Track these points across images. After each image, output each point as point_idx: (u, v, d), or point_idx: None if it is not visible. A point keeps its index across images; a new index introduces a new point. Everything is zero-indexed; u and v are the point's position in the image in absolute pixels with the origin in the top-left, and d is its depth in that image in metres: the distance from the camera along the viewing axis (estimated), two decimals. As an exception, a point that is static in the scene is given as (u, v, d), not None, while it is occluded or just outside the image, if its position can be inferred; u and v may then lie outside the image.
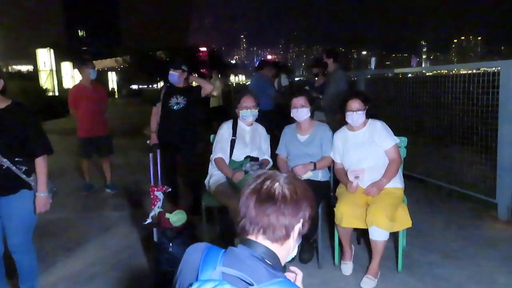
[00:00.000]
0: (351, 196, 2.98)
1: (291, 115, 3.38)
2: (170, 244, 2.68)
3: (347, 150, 3.16)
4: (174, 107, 4.21)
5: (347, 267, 3.04)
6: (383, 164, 3.04)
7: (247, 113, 3.45)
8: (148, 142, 4.32)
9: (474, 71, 4.52)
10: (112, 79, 42.44)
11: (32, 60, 23.44)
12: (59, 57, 24.66)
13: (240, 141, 3.46)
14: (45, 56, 22.39)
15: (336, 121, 3.90)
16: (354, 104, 3.06)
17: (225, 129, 3.52)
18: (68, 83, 26.20)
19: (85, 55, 28.76)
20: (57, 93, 21.79)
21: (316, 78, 6.08)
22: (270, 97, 6.47)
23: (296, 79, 13.14)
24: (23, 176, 2.39)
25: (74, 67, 27.72)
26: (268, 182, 1.20)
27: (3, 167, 2.32)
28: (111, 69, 43.80)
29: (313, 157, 3.33)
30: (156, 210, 2.75)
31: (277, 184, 1.19)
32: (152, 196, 2.78)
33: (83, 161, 5.28)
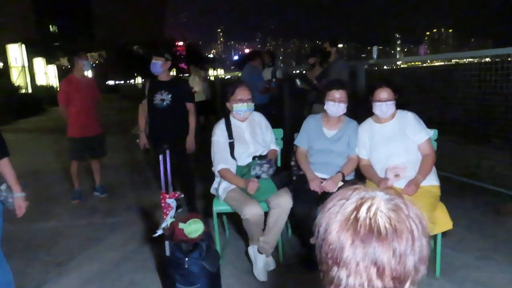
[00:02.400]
0: (384, 196, 2.66)
1: (325, 107, 2.97)
2: (186, 259, 2.31)
3: (374, 144, 2.85)
4: (159, 105, 3.78)
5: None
6: (417, 160, 2.75)
7: (243, 107, 2.96)
8: (137, 141, 3.94)
9: (488, 60, 4.28)
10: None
11: (3, 56, 22.32)
12: (31, 53, 23.58)
13: (239, 142, 3.00)
14: (16, 52, 21.40)
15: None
16: (383, 93, 2.75)
17: (219, 134, 3.01)
18: (41, 80, 25.17)
19: (59, 51, 27.57)
20: (30, 90, 20.83)
21: (306, 71, 5.75)
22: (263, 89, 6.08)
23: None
24: None
25: (47, 62, 26.67)
26: (364, 209, 0.79)
27: None
28: (87, 64, 42.50)
29: (338, 154, 3.00)
30: (168, 220, 2.36)
31: (379, 211, 0.79)
32: (163, 204, 2.37)
33: (74, 164, 4.65)
